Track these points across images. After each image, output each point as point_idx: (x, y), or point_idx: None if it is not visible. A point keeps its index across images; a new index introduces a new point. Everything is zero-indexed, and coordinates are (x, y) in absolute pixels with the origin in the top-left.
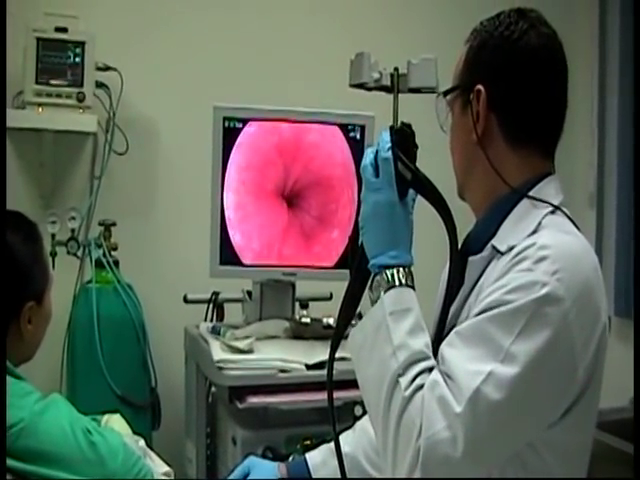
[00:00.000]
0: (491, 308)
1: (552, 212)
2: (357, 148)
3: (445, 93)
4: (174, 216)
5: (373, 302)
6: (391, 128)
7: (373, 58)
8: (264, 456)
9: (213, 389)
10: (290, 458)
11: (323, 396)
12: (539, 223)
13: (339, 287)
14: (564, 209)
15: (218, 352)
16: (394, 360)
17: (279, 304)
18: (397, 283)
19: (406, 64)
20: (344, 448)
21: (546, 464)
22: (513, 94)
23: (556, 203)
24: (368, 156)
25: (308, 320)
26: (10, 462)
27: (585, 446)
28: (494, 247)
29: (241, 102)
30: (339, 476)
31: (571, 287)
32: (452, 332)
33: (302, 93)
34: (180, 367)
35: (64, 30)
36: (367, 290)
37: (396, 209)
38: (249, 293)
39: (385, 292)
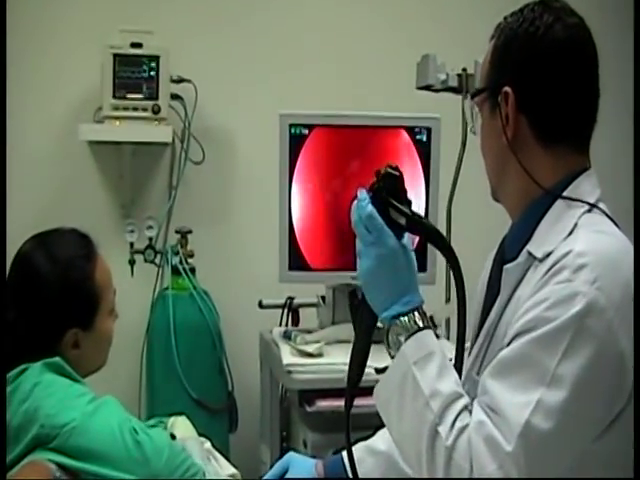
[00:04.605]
0: (531, 328)
1: (589, 210)
2: (424, 150)
3: (472, 95)
4: (249, 223)
5: (393, 354)
6: (377, 173)
7: (439, 59)
8: None
9: (287, 393)
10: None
11: None
12: (575, 224)
13: None
14: (601, 205)
15: (288, 356)
16: (429, 411)
17: None
18: (415, 329)
19: (472, 64)
20: (380, 446)
21: (590, 476)
22: (542, 94)
23: (592, 200)
24: (356, 212)
25: (380, 324)
26: (62, 459)
27: (630, 454)
28: (530, 253)
29: (311, 108)
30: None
31: (612, 294)
32: (494, 360)
33: (368, 97)
34: (256, 371)
35: (139, 45)
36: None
37: (398, 257)
38: (323, 298)
39: (405, 341)
